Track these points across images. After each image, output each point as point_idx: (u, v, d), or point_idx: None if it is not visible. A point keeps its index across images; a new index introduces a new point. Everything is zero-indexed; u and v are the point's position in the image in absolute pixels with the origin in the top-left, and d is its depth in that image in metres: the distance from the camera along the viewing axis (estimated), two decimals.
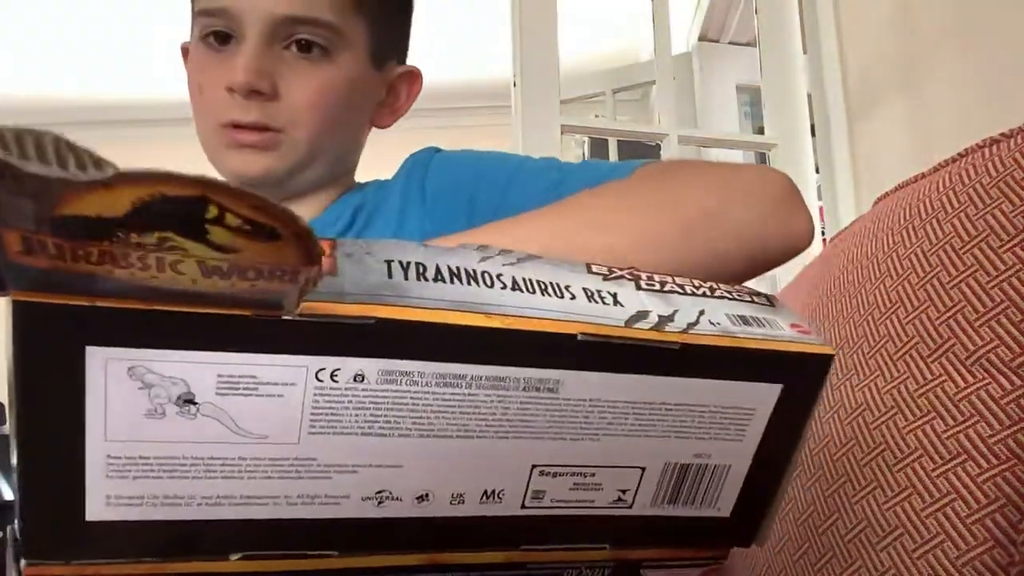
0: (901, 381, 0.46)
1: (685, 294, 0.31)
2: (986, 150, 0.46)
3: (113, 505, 0.25)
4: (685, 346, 0.28)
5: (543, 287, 0.28)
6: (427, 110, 3.52)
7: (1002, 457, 0.39)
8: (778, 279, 1.63)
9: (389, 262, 0.27)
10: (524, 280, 0.28)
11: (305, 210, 0.66)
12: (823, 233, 1.56)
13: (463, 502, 0.29)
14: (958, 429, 0.41)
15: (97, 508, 0.25)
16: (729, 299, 0.31)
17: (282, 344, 0.24)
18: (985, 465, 0.40)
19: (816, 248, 1.64)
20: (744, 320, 0.30)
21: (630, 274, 0.31)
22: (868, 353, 0.49)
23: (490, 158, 0.65)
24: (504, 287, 0.27)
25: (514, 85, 1.48)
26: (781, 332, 0.30)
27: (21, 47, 3.09)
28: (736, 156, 2.16)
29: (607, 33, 3.00)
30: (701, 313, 0.30)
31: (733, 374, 0.30)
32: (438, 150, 0.67)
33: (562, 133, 1.46)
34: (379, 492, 0.28)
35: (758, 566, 0.53)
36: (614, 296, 0.29)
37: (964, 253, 0.44)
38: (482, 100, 3.50)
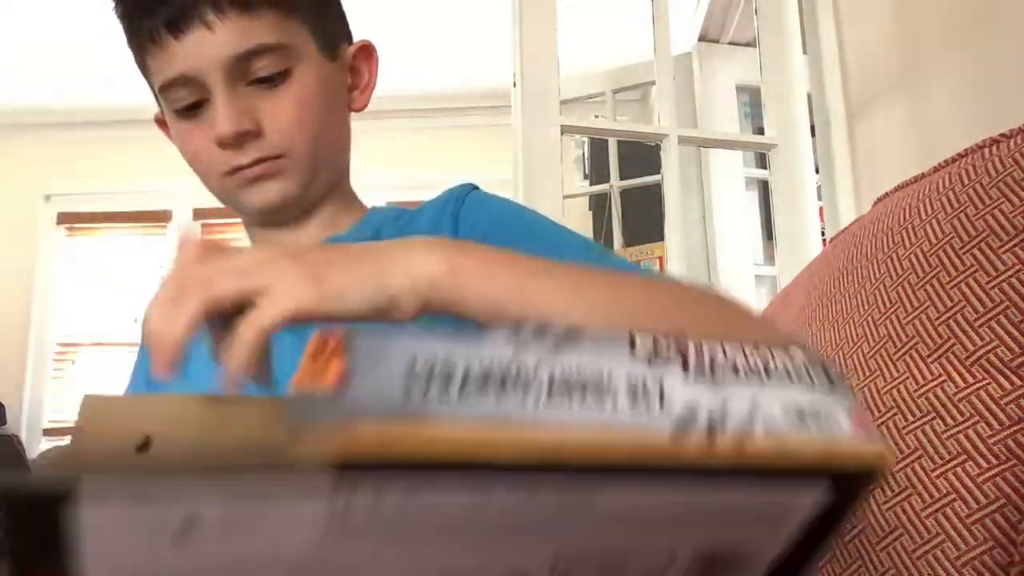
0: (901, 381, 0.46)
1: (737, 376, 0.29)
2: (986, 150, 0.46)
3: None
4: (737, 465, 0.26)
5: (582, 390, 0.26)
6: (428, 110, 3.54)
7: (1002, 457, 0.39)
8: (779, 279, 1.63)
9: (411, 366, 0.24)
10: (562, 381, 0.26)
11: (317, 229, 0.69)
12: (823, 233, 1.56)
13: None
14: (958, 429, 0.41)
15: None
16: (786, 381, 0.29)
17: (291, 489, 0.23)
18: (985, 465, 0.40)
19: (816, 248, 1.64)
20: (801, 415, 0.28)
21: (677, 346, 0.29)
22: (868, 353, 0.49)
23: (532, 214, 0.66)
24: (539, 395, 0.25)
25: (514, 85, 1.48)
26: (838, 429, 0.28)
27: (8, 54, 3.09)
28: (736, 156, 2.16)
29: (607, 33, 3.00)
30: (755, 409, 0.28)
31: (782, 478, 0.28)
32: (475, 187, 0.68)
33: (562, 133, 1.46)
34: None
35: None
36: (660, 391, 0.27)
37: (964, 253, 0.44)
38: (482, 100, 3.50)
